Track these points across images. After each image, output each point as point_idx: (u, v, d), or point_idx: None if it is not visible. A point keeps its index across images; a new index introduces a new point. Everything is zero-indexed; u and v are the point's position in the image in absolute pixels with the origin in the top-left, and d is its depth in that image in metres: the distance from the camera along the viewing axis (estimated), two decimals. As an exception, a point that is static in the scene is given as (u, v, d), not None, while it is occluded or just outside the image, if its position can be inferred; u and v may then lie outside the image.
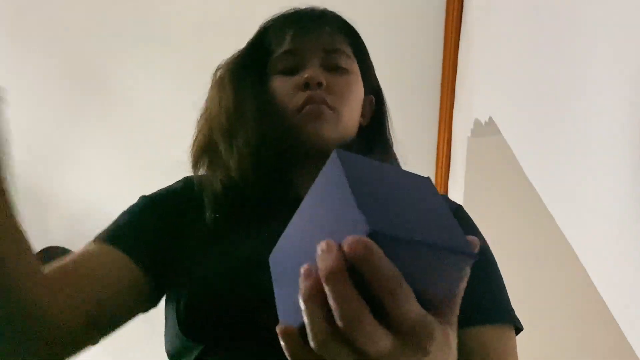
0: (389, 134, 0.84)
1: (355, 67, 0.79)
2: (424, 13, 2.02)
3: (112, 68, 2.19)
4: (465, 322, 0.55)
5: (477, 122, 1.68)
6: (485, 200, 1.81)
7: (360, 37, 0.84)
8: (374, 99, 0.85)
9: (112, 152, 2.45)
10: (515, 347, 0.65)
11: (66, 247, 2.45)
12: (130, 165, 2.47)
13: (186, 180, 0.77)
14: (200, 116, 0.78)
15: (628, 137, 0.68)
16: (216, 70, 0.79)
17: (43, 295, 0.55)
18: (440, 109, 2.25)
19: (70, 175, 2.55)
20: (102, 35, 2.09)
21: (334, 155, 0.38)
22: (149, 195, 0.74)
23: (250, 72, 0.77)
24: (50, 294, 0.55)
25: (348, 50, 0.78)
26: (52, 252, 2.46)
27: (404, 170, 0.42)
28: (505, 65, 1.37)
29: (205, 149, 0.75)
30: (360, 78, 0.79)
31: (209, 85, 0.79)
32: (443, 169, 2.32)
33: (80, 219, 2.67)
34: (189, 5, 1.99)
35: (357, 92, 0.78)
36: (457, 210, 0.75)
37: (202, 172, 0.75)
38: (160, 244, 0.67)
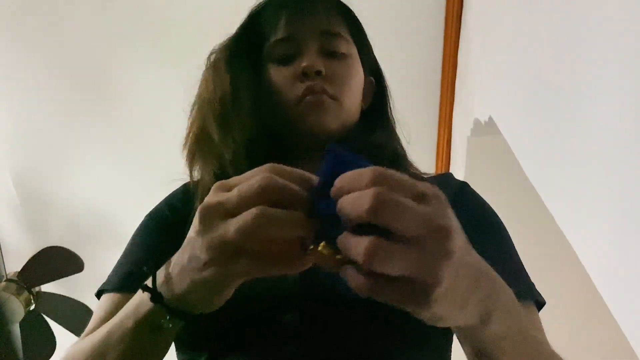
0: (391, 114, 0.81)
1: (353, 50, 0.75)
2: (424, 13, 2.02)
3: (113, 69, 2.19)
4: None
5: (477, 122, 1.67)
6: (485, 199, 1.80)
7: (356, 17, 0.80)
8: (373, 80, 0.81)
9: (113, 153, 2.45)
10: (541, 323, 0.61)
11: (66, 247, 2.45)
12: (130, 165, 2.47)
13: (185, 188, 0.74)
14: (193, 105, 0.74)
15: (628, 136, 0.67)
16: (210, 55, 0.75)
17: None
18: (440, 109, 2.24)
19: (70, 175, 2.55)
20: (103, 37, 2.09)
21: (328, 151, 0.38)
22: (153, 215, 0.71)
23: (245, 58, 0.73)
24: None
25: (345, 33, 0.75)
26: (52, 252, 2.46)
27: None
28: (505, 65, 1.37)
29: (200, 141, 0.71)
30: (359, 61, 0.76)
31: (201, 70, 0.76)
32: (443, 169, 2.32)
33: (80, 219, 2.67)
34: (192, 8, 1.98)
35: (358, 77, 0.74)
36: (463, 187, 0.72)
37: (197, 170, 0.72)
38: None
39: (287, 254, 0.36)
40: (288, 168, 0.38)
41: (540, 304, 0.62)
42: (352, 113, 0.73)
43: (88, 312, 2.56)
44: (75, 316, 2.58)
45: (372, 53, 0.82)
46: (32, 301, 2.59)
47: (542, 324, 0.62)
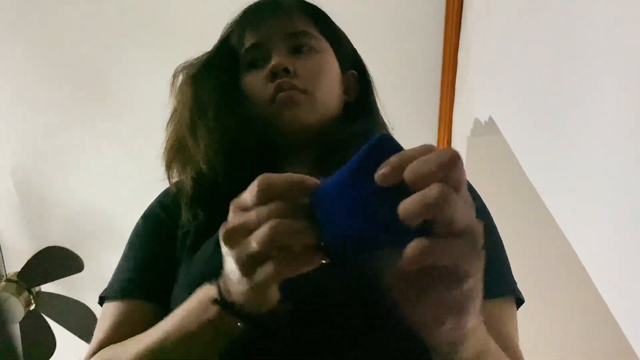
0: (376, 103, 0.82)
1: (324, 45, 0.76)
2: (424, 13, 2.02)
3: (114, 69, 2.19)
4: None
5: (477, 122, 1.67)
6: (485, 199, 1.80)
7: (324, 14, 0.81)
8: (356, 73, 0.82)
9: (113, 153, 2.45)
10: (516, 320, 0.65)
11: (66, 247, 2.45)
12: (130, 165, 2.47)
13: (177, 186, 0.75)
14: (169, 121, 0.78)
15: (628, 136, 0.67)
16: (174, 75, 0.78)
17: None
18: (440, 109, 2.25)
19: (70, 175, 2.55)
20: (103, 38, 2.09)
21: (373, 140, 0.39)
22: (148, 216, 0.73)
23: (214, 71, 0.76)
24: None
25: (313, 30, 0.76)
26: (52, 252, 2.46)
27: None
28: (505, 65, 1.37)
29: (176, 150, 0.74)
30: (332, 56, 0.77)
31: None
32: (443, 169, 2.32)
33: (80, 219, 2.67)
34: (192, 9, 1.98)
35: (330, 70, 0.76)
36: None
37: (175, 177, 0.75)
38: (167, 269, 0.66)
39: (303, 256, 0.40)
40: (278, 176, 0.41)
41: (520, 301, 0.67)
42: (329, 106, 0.74)
43: (88, 312, 2.56)
44: (75, 316, 2.58)
45: (350, 46, 0.83)
46: (32, 301, 2.59)
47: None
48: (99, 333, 0.63)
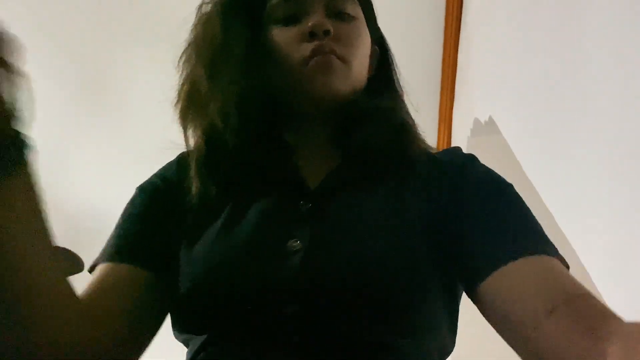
0: (398, 83, 0.77)
1: (360, 13, 0.71)
2: (424, 13, 2.02)
3: (114, 70, 2.19)
4: (492, 263, 0.52)
5: (477, 122, 1.67)
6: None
7: None
8: (377, 49, 0.78)
9: (113, 153, 2.45)
10: (567, 269, 0.54)
11: (66, 247, 2.45)
12: (130, 166, 2.47)
13: (179, 159, 0.71)
14: (182, 59, 0.70)
15: (628, 136, 0.67)
16: (201, 5, 0.71)
17: (83, 326, 0.53)
18: (440, 109, 2.24)
19: (70, 175, 2.55)
20: (103, 38, 2.09)
21: None
22: (144, 187, 0.69)
23: (241, 13, 0.68)
24: (90, 325, 0.54)
25: None
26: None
27: None
28: (505, 65, 1.37)
29: (189, 95, 0.66)
30: (365, 25, 0.72)
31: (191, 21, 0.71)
32: (443, 169, 2.32)
33: (80, 219, 2.67)
34: (193, 9, 1.98)
35: (366, 41, 0.71)
36: (471, 158, 0.68)
37: (188, 130, 0.67)
38: (164, 238, 0.63)
39: None
40: None
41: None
42: (360, 78, 0.69)
43: (88, 312, 2.56)
44: (75, 316, 2.57)
45: (376, 21, 0.78)
46: (32, 301, 2.59)
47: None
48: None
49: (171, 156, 0.73)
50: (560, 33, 0.96)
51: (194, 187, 0.63)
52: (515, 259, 0.52)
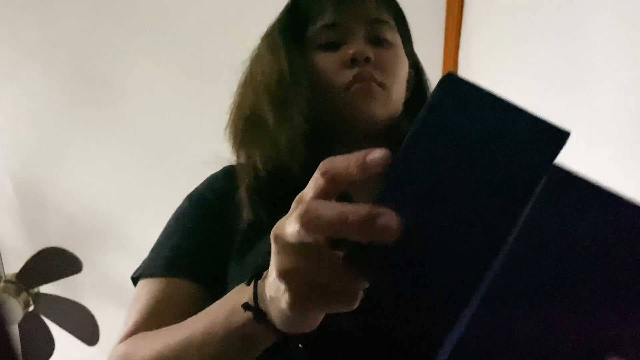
0: None
1: (398, 40, 0.72)
2: (424, 13, 2.02)
3: (113, 70, 2.18)
4: None
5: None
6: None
7: (400, 6, 0.77)
8: (413, 72, 0.79)
9: (111, 154, 2.45)
10: None
11: (65, 248, 2.44)
12: (129, 166, 2.47)
13: (226, 171, 0.71)
14: (241, 84, 0.71)
15: (628, 133, 0.67)
16: (264, 36, 0.72)
17: None
18: (440, 109, 2.24)
19: (69, 176, 2.54)
20: (103, 39, 2.09)
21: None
22: (194, 198, 0.68)
23: (292, 41, 0.70)
24: None
25: (391, 21, 0.72)
26: (51, 253, 2.45)
27: None
28: (505, 65, 1.37)
29: (250, 121, 0.67)
30: (403, 51, 0.73)
31: (253, 52, 0.72)
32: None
33: (79, 220, 2.67)
34: (194, 11, 1.98)
35: (404, 67, 0.72)
36: None
37: (243, 153, 0.68)
38: (215, 252, 0.62)
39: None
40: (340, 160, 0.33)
41: None
42: (398, 104, 0.71)
43: (86, 313, 2.55)
44: (74, 317, 2.57)
45: (413, 46, 0.80)
46: (31, 302, 2.59)
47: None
48: (134, 314, 0.58)
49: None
50: (560, 32, 0.96)
51: (245, 212, 0.62)
52: None
